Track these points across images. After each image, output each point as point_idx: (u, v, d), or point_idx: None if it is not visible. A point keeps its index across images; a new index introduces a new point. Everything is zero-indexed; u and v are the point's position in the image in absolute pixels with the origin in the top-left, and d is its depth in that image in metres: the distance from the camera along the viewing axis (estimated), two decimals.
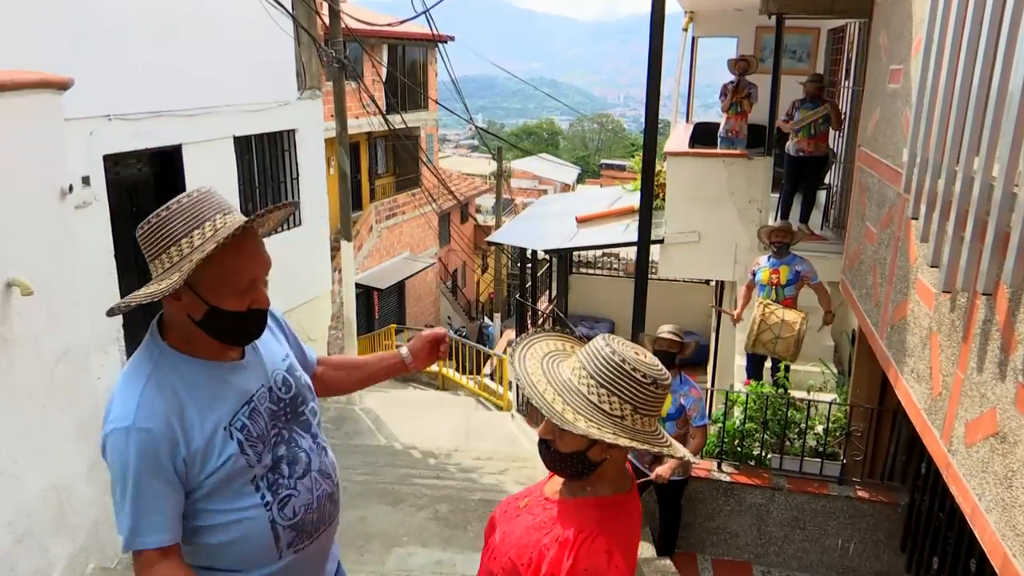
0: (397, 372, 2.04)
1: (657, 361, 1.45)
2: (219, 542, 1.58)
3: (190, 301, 1.50)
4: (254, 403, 1.60)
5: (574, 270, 12.57)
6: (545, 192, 34.95)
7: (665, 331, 4.13)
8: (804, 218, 6.87)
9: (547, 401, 1.40)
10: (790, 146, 6.71)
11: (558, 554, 1.41)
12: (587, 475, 1.47)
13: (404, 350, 2.01)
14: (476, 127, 17.21)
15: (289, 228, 8.28)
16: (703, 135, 8.55)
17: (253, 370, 1.65)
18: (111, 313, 1.55)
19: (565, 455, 1.45)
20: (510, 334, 13.97)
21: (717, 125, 8.08)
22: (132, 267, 6.68)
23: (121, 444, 1.46)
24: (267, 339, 1.73)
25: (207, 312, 1.50)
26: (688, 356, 4.23)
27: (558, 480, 1.58)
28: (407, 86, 18.49)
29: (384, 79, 16.87)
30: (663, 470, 4.01)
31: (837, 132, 7.19)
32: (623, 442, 1.37)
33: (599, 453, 1.44)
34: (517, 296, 12.36)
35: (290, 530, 1.64)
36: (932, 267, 2.81)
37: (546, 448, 1.49)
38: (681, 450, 1.52)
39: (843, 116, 7.15)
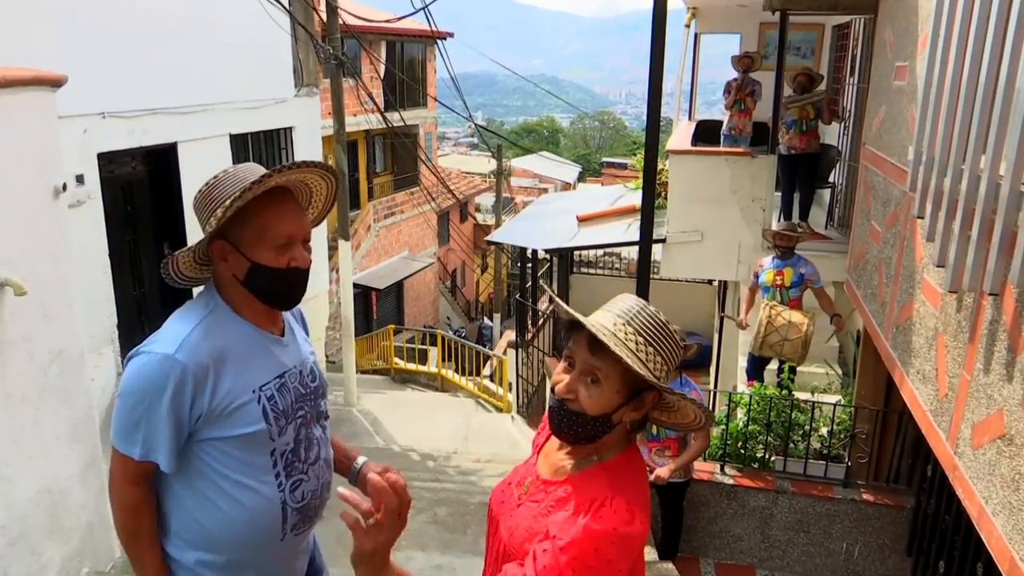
0: (341, 471, 1.91)
1: None
2: (231, 516, 1.62)
3: (234, 260, 1.60)
4: (285, 379, 1.69)
5: (575, 270, 12.52)
6: (545, 191, 34.90)
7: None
8: (803, 215, 6.83)
9: (609, 332, 1.32)
10: (781, 145, 6.68)
11: (569, 519, 1.30)
12: (598, 439, 1.37)
13: (360, 461, 1.87)
14: (475, 125, 17.18)
15: None
16: (706, 133, 8.49)
17: (290, 350, 1.74)
18: (164, 273, 1.65)
19: (590, 418, 1.34)
20: (510, 335, 13.93)
21: (720, 123, 8.02)
22: (127, 266, 6.64)
23: (153, 367, 1.53)
24: (297, 328, 1.83)
25: (249, 268, 1.59)
26: (689, 358, 4.17)
27: (554, 459, 1.46)
28: (406, 83, 18.45)
29: (382, 76, 16.82)
30: (662, 472, 3.97)
31: (840, 128, 7.14)
32: (663, 385, 1.34)
33: (623, 415, 1.36)
34: (517, 296, 12.32)
35: (297, 513, 1.70)
36: (938, 267, 2.80)
37: (562, 410, 1.36)
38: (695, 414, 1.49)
39: (839, 110, 7.09)
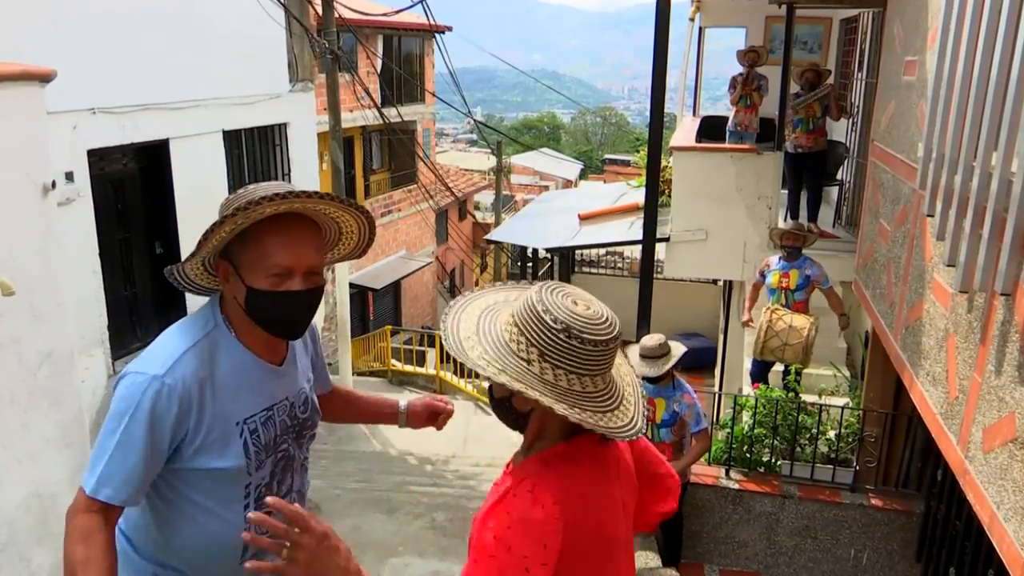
0: (388, 422, 2.06)
1: (603, 315, 1.28)
2: (191, 541, 1.58)
3: (234, 282, 1.52)
4: (273, 412, 1.63)
5: (577, 269, 12.46)
6: (546, 188, 34.89)
7: (652, 341, 4.05)
8: (812, 217, 6.76)
9: (459, 340, 1.31)
10: (788, 143, 6.61)
11: (492, 510, 1.33)
12: (521, 426, 1.40)
13: (403, 404, 2.03)
14: (475, 121, 17.15)
15: None
16: (710, 129, 8.44)
17: (285, 381, 1.67)
18: (170, 278, 1.57)
19: (497, 401, 1.42)
20: None
21: (725, 119, 7.97)
22: (118, 266, 6.59)
23: (139, 387, 1.46)
24: (300, 354, 1.77)
25: (246, 294, 1.51)
26: (687, 362, 4.09)
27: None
28: (403, 78, 18.34)
29: (379, 71, 16.73)
30: None
31: (848, 124, 7.07)
32: (517, 387, 1.23)
33: (522, 403, 1.35)
34: None
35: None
36: (948, 266, 2.77)
37: (490, 394, 1.45)
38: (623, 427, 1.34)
39: (847, 106, 7.01)
